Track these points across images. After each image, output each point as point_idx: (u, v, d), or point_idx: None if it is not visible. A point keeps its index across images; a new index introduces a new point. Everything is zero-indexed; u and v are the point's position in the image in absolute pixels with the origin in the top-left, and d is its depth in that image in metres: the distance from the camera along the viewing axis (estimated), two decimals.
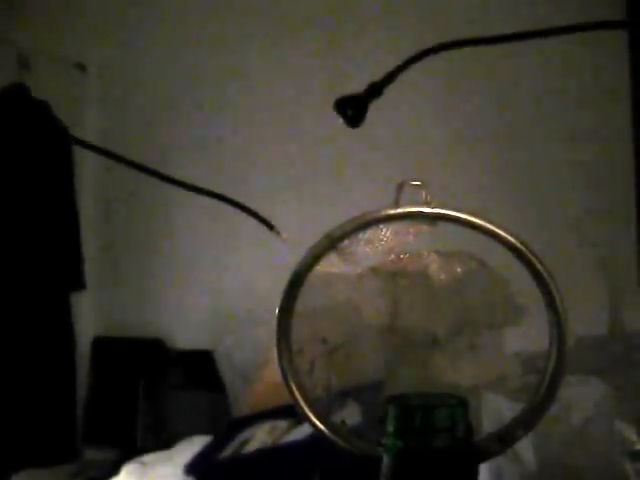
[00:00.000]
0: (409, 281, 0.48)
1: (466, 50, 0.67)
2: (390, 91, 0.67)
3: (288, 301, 0.47)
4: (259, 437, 1.79)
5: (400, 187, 0.45)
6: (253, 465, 1.70)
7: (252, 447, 1.77)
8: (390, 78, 0.69)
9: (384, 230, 0.47)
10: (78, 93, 2.36)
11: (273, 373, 0.53)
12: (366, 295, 0.48)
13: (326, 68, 1.97)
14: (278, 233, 0.49)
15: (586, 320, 1.56)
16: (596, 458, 0.98)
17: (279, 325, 0.48)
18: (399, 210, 0.45)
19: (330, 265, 0.49)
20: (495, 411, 0.91)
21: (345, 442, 0.50)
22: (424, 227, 0.47)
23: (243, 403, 1.96)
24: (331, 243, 0.47)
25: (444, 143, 1.82)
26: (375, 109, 0.67)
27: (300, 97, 2.00)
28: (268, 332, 0.49)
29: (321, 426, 0.49)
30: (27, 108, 2.09)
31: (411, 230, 0.47)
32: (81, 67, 2.34)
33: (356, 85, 0.67)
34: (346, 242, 0.47)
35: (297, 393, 0.48)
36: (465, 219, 0.45)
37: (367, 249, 0.47)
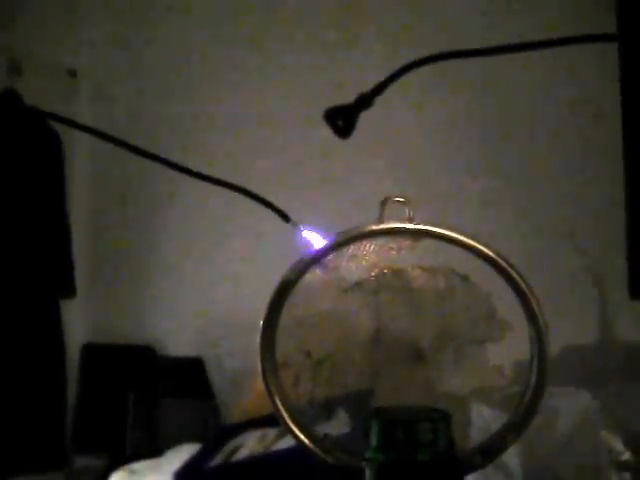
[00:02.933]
0: (393, 296, 0.49)
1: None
2: (378, 100, 0.68)
3: (272, 315, 0.48)
4: (249, 445, 1.79)
5: (384, 203, 0.46)
6: (243, 473, 1.70)
7: (242, 455, 1.77)
8: (379, 89, 0.69)
9: (368, 245, 0.48)
10: (69, 99, 2.36)
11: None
12: (350, 309, 0.49)
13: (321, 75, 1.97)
14: (295, 224, 0.49)
15: (576, 330, 1.57)
16: (582, 468, 0.98)
17: (263, 339, 0.48)
18: (382, 226, 0.46)
19: (315, 280, 0.49)
20: (482, 422, 0.92)
21: (328, 455, 0.51)
22: (407, 242, 0.47)
23: (233, 411, 1.96)
24: (315, 258, 0.48)
25: (434, 151, 1.83)
26: (363, 119, 0.68)
27: (288, 111, 2.00)
28: (259, 340, 0.50)
29: (304, 439, 0.50)
30: (18, 114, 2.08)
31: (394, 245, 0.47)
32: (72, 73, 2.34)
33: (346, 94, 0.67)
34: (330, 257, 0.48)
35: (281, 407, 0.48)
36: (447, 235, 0.46)
37: (351, 264, 0.48)
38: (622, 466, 1.03)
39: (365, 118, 0.67)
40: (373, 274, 0.48)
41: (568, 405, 0.99)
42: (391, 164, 1.80)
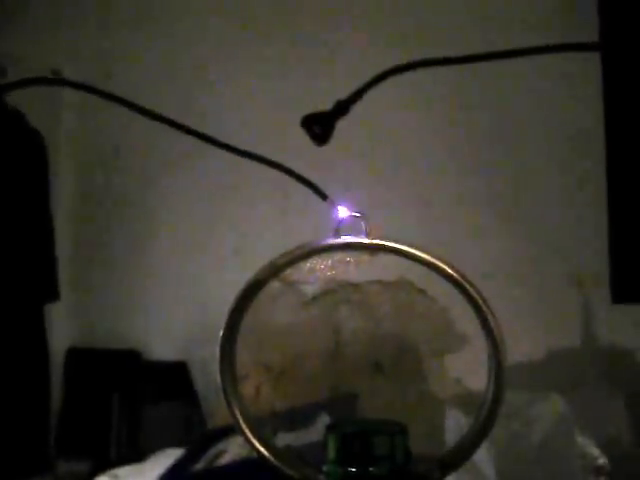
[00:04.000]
0: (351, 310, 0.49)
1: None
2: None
3: (230, 326, 0.48)
4: (233, 450, 1.79)
5: (340, 218, 0.46)
6: (226, 477, 1.70)
7: (226, 459, 1.76)
8: (357, 96, 0.70)
9: (325, 260, 0.48)
10: (53, 99, 2.35)
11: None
12: (309, 323, 0.49)
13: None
14: (332, 202, 0.48)
15: (557, 334, 1.58)
16: (557, 473, 0.99)
17: (222, 350, 0.48)
18: (339, 241, 0.46)
19: (275, 293, 0.49)
20: (457, 427, 0.92)
21: (288, 467, 0.51)
22: (365, 257, 0.48)
23: (217, 415, 1.96)
24: (274, 270, 0.48)
25: (420, 150, 1.83)
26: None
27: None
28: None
29: (264, 451, 0.50)
30: (0, 116, 2.08)
31: (352, 260, 0.48)
32: (56, 73, 2.32)
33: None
34: (289, 271, 0.48)
35: (240, 419, 0.48)
36: (404, 250, 0.46)
37: (309, 278, 0.48)
38: (598, 471, 1.03)
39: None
40: (332, 288, 0.48)
41: (543, 410, 0.99)
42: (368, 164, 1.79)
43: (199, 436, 1.89)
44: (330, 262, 0.48)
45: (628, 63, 1.24)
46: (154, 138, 2.26)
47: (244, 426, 0.48)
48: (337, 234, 0.46)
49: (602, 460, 1.04)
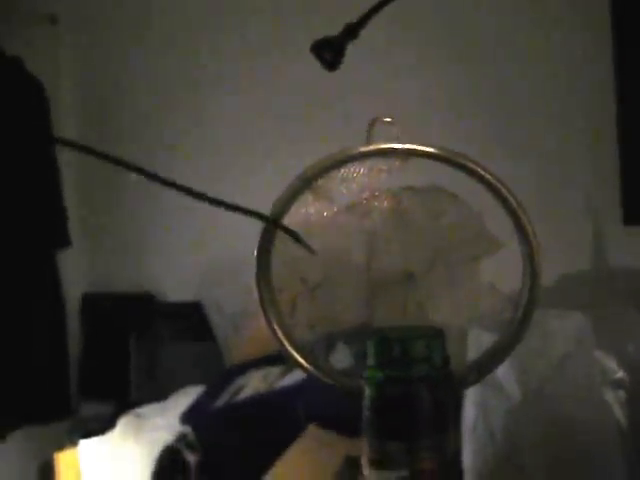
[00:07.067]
0: (384, 218, 0.49)
1: None
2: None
3: (266, 240, 0.48)
4: (253, 384, 1.82)
5: (372, 124, 0.46)
6: (247, 412, 1.74)
7: (246, 394, 1.80)
8: (365, 19, 0.68)
9: (357, 168, 0.48)
10: (50, 46, 2.31)
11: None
12: (342, 233, 0.49)
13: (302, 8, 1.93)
14: (308, 248, 0.47)
15: (571, 256, 1.58)
16: (577, 388, 1.01)
17: (259, 264, 0.48)
18: (371, 147, 0.46)
19: (306, 205, 0.49)
20: (479, 344, 0.93)
21: (328, 377, 0.52)
22: (397, 163, 0.47)
23: (235, 352, 1.99)
24: (305, 182, 0.48)
25: (419, 78, 1.80)
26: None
27: (271, 39, 1.97)
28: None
29: (305, 363, 0.51)
30: None
31: (384, 167, 0.47)
32: (52, 19, 2.28)
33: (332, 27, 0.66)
34: (320, 181, 0.48)
35: (278, 328, 0.49)
36: (437, 154, 0.46)
37: (341, 188, 0.48)
38: (616, 384, 1.05)
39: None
40: (364, 197, 0.48)
41: (562, 326, 1.00)
42: (378, 89, 1.77)
43: (218, 373, 1.93)
44: (362, 171, 0.47)
45: None
46: (157, 76, 2.23)
47: (282, 336, 0.49)
48: (368, 141, 0.46)
49: (621, 374, 1.05)
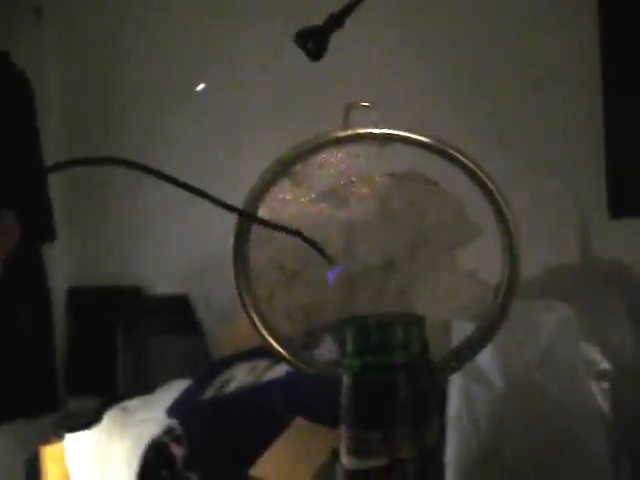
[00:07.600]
0: (362, 205, 0.48)
1: None
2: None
3: (242, 226, 0.47)
4: (239, 377, 1.81)
5: (348, 109, 0.45)
6: (233, 404, 1.73)
7: (232, 387, 1.79)
8: (349, 9, 0.68)
9: (335, 154, 0.47)
10: (35, 40, 2.29)
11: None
12: (320, 220, 0.48)
13: None
14: (328, 258, 0.46)
15: (556, 249, 1.58)
16: (562, 378, 1.01)
17: (235, 251, 0.48)
18: (348, 132, 0.45)
19: (283, 191, 0.49)
20: (463, 335, 0.93)
21: (308, 366, 0.51)
22: (375, 149, 0.47)
23: (222, 345, 1.98)
24: (283, 167, 0.47)
25: (402, 63, 1.79)
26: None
27: (247, 25, 1.96)
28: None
29: (285, 353, 0.50)
30: None
31: (361, 153, 0.47)
32: (38, 12, 2.26)
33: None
34: (298, 167, 0.48)
35: (255, 316, 0.49)
36: (415, 139, 0.45)
37: (319, 173, 0.47)
38: (600, 375, 1.05)
39: None
40: (341, 183, 0.48)
41: (547, 318, 1.00)
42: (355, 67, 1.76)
43: (205, 366, 1.92)
44: (339, 156, 0.47)
45: None
46: (143, 69, 2.22)
47: (259, 324, 0.48)
48: (345, 126, 0.45)
49: (605, 365, 1.06)
